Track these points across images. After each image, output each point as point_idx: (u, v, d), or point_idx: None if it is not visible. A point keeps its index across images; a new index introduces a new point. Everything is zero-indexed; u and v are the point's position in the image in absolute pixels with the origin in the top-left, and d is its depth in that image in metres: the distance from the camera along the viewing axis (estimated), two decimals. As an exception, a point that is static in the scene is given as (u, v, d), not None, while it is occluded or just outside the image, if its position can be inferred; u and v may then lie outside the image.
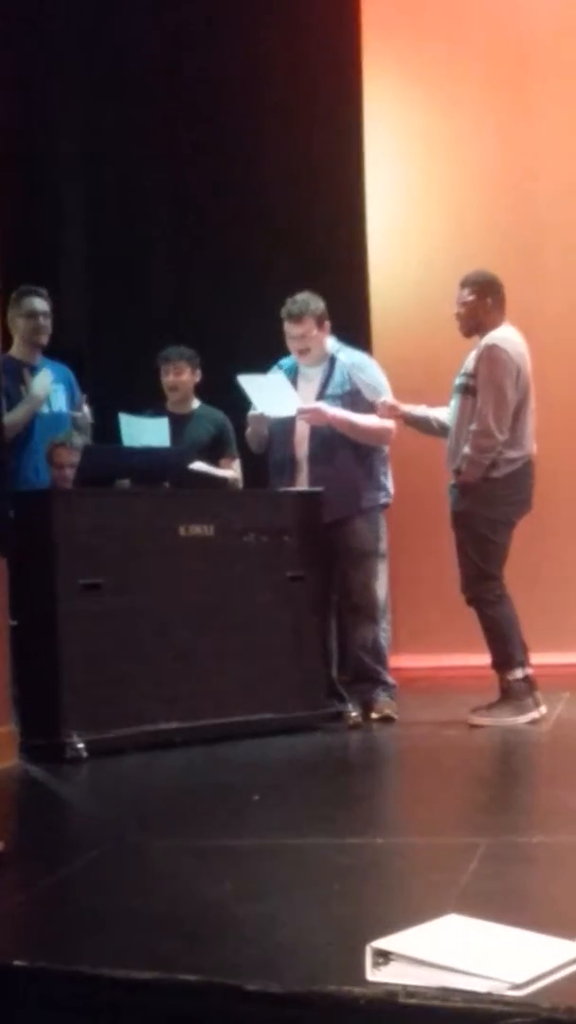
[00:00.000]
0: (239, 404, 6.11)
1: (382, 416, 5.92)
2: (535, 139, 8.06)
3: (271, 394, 5.97)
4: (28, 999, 2.45)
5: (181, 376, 6.49)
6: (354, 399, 5.94)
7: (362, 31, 7.95)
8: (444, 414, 5.93)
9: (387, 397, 5.97)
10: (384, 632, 6.03)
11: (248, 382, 5.95)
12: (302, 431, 6.00)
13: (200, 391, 6.61)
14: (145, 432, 6.04)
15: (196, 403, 6.57)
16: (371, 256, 7.98)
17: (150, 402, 6.57)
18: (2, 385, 5.68)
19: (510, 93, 8.08)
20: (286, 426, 6.01)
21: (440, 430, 5.94)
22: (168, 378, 6.51)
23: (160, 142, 8.15)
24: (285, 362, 6.12)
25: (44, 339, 6.19)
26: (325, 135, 7.87)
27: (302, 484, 5.98)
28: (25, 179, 7.60)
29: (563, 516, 7.60)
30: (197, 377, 6.53)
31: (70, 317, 6.84)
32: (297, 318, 5.97)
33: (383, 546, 6.04)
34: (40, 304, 6.14)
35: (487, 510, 5.69)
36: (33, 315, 6.12)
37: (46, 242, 7.84)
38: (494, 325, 5.77)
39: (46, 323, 6.16)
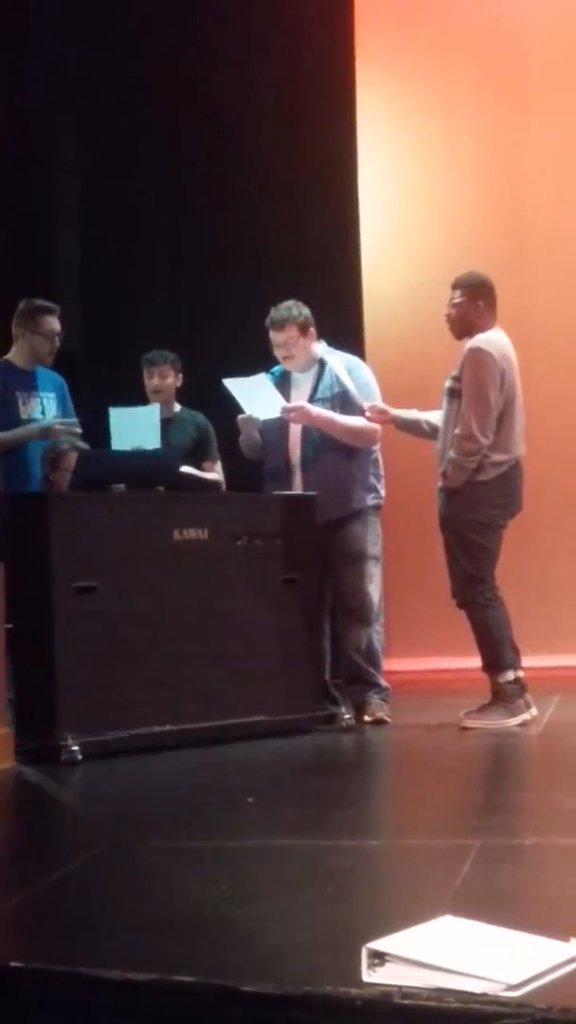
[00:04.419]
0: (228, 410, 6.13)
1: (372, 420, 5.93)
2: (527, 146, 8.09)
3: (256, 395, 5.99)
4: (24, 1000, 2.46)
5: (166, 379, 6.60)
6: (343, 401, 5.96)
7: (355, 41, 7.98)
8: (436, 417, 5.93)
9: (377, 401, 5.98)
10: (377, 635, 6.05)
11: (234, 385, 5.97)
12: (295, 437, 6.02)
13: (186, 395, 6.66)
14: (136, 422, 6.05)
15: (177, 406, 6.64)
16: (364, 261, 8.00)
17: (137, 403, 6.61)
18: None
19: (502, 102, 8.11)
20: (280, 433, 6.03)
21: (432, 433, 5.93)
22: (153, 381, 6.60)
23: (156, 148, 8.19)
24: (276, 369, 6.14)
25: (52, 360, 6.25)
26: (318, 143, 7.90)
27: (297, 489, 6.00)
28: (21, 185, 7.62)
29: (553, 518, 7.62)
30: (179, 380, 6.62)
31: (64, 320, 6.83)
32: (280, 325, 5.99)
33: (377, 549, 6.06)
34: (58, 324, 6.19)
35: (474, 514, 5.68)
36: (52, 336, 6.17)
37: (41, 248, 7.87)
38: (484, 328, 5.75)
39: (58, 343, 6.21)
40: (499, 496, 5.72)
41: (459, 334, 5.82)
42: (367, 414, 5.90)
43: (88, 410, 6.53)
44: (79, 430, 6.10)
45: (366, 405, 5.90)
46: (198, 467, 6.45)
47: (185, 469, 6.20)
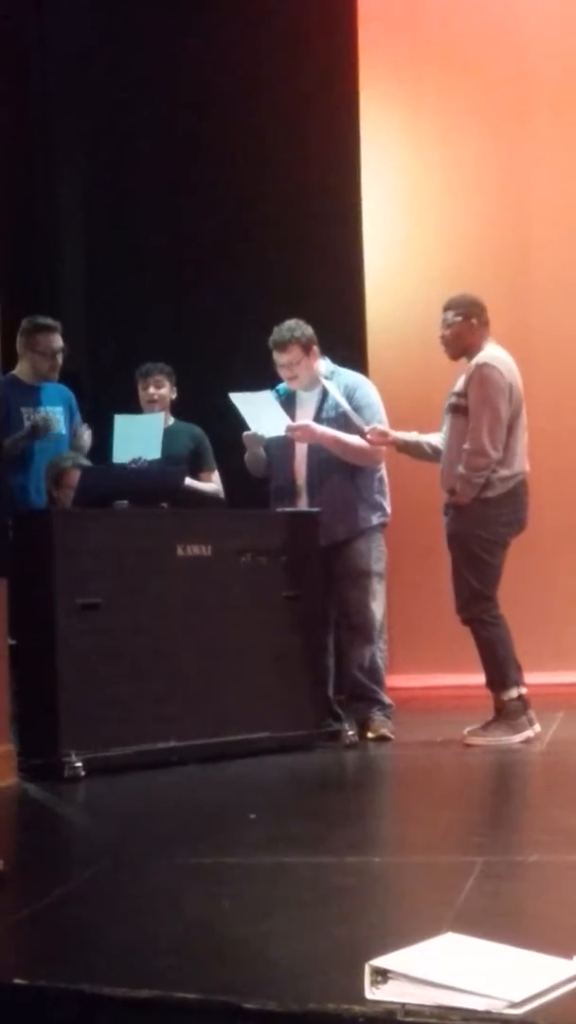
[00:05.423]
0: (231, 424, 6.13)
1: (372, 443, 5.93)
2: (530, 166, 8.10)
3: (262, 413, 6.00)
4: (27, 1017, 2.46)
5: (161, 389, 6.63)
6: (347, 421, 5.96)
7: (359, 60, 8.00)
8: (436, 439, 5.95)
9: (379, 421, 5.98)
10: (381, 651, 6.04)
11: (240, 400, 5.98)
12: (300, 456, 6.02)
13: (188, 409, 6.68)
14: (139, 430, 6.07)
15: (171, 419, 6.66)
16: (367, 280, 8.01)
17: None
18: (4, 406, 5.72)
19: (506, 121, 8.12)
20: (285, 452, 6.04)
21: (433, 454, 5.95)
22: (148, 391, 6.63)
23: (159, 167, 8.21)
24: (282, 387, 6.14)
25: (56, 375, 6.28)
26: (322, 160, 7.92)
27: (302, 508, 6.00)
28: (24, 200, 7.65)
29: (555, 535, 7.61)
30: (174, 393, 6.65)
31: (69, 338, 6.87)
32: (283, 346, 5.99)
33: (381, 566, 6.06)
34: (59, 342, 6.23)
35: (482, 530, 5.70)
36: (52, 354, 6.22)
37: (45, 264, 7.89)
38: (480, 345, 5.78)
39: (61, 359, 6.23)
40: (507, 513, 5.74)
41: (455, 354, 5.85)
42: (367, 436, 5.90)
43: (91, 427, 6.54)
44: (58, 425, 6.12)
45: (366, 428, 5.90)
46: (195, 478, 6.47)
47: (186, 481, 6.22)
